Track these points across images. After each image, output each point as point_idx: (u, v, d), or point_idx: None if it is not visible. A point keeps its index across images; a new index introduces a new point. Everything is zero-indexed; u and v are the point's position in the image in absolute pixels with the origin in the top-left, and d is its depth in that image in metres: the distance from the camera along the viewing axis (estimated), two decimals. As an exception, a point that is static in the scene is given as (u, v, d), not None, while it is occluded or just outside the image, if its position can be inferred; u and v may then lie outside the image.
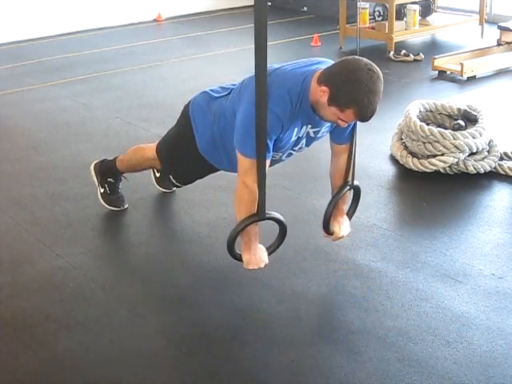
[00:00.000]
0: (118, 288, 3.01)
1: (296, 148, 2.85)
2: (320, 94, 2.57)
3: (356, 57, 2.60)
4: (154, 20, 8.55)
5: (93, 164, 3.68)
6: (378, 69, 2.56)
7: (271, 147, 2.67)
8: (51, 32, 7.74)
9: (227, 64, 6.49)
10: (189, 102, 3.11)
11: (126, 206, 3.65)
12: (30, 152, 4.51)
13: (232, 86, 2.95)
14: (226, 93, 2.94)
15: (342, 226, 3.03)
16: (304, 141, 2.82)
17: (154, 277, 3.09)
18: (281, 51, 7.01)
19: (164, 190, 3.78)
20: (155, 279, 3.07)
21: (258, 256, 2.79)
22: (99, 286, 3.02)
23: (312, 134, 2.81)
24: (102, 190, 3.62)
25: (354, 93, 2.50)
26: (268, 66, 2.67)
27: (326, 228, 3.00)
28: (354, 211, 3.12)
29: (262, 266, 2.80)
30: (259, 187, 2.65)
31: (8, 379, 2.48)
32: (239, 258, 2.80)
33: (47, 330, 2.73)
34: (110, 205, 3.63)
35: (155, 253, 3.31)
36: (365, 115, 2.56)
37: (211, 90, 3.03)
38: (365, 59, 2.57)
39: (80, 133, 4.83)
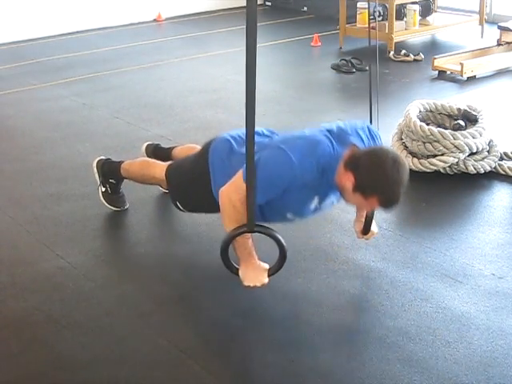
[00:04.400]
0: (118, 288, 3.01)
1: (318, 213, 2.90)
2: (345, 180, 2.59)
3: (383, 147, 2.68)
4: (154, 20, 8.55)
5: (96, 160, 3.65)
6: (404, 159, 2.62)
7: (269, 194, 2.64)
8: (51, 32, 7.74)
9: (227, 64, 6.49)
10: (209, 143, 3.04)
11: (126, 206, 3.65)
12: (30, 152, 4.51)
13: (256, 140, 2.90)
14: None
15: (374, 223, 3.07)
16: (328, 208, 2.91)
17: (154, 277, 3.09)
18: (281, 51, 7.02)
19: (164, 190, 3.78)
20: (155, 279, 3.07)
21: (256, 273, 2.69)
22: (99, 286, 3.02)
23: (335, 202, 2.87)
24: (104, 190, 3.62)
25: (378, 184, 2.54)
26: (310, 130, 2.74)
27: (367, 231, 3.03)
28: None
29: (259, 285, 2.68)
30: (248, 202, 2.54)
31: (8, 379, 2.48)
32: (236, 272, 2.71)
33: (47, 330, 2.73)
34: (110, 204, 3.62)
35: (155, 253, 3.31)
36: (389, 206, 2.63)
37: (233, 139, 2.96)
38: (391, 149, 2.64)
39: (80, 133, 4.83)
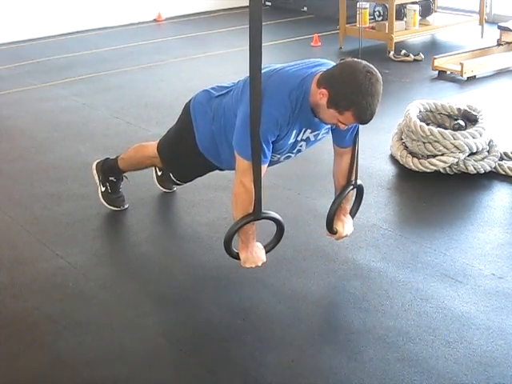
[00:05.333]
0: (118, 288, 3.01)
1: (294, 151, 2.86)
2: (319, 96, 2.57)
3: (355, 59, 2.61)
4: (154, 20, 8.55)
5: (95, 163, 3.67)
6: (377, 71, 2.56)
7: (268, 150, 2.66)
8: (51, 32, 7.75)
9: (227, 64, 6.49)
10: (190, 100, 3.13)
11: (126, 206, 3.65)
12: (30, 152, 4.51)
13: (232, 84, 2.96)
14: (225, 91, 2.95)
15: (346, 225, 3.04)
16: (304, 144, 2.83)
17: (154, 277, 3.09)
18: (281, 51, 7.01)
19: (165, 190, 3.78)
20: (155, 279, 3.07)
21: (255, 254, 2.80)
22: (99, 286, 3.02)
23: (312, 138, 2.82)
24: (103, 189, 3.62)
25: (352, 95, 2.50)
26: (269, 66, 2.66)
27: (330, 227, 3.00)
28: (357, 210, 3.13)
29: (260, 264, 2.81)
30: (255, 188, 2.65)
31: (8, 379, 2.48)
32: (236, 257, 2.81)
33: (47, 330, 2.73)
34: (110, 204, 3.63)
35: (155, 253, 3.31)
36: (364, 118, 2.56)
37: (212, 89, 3.04)
38: (364, 62, 2.56)
39: (80, 133, 4.83)
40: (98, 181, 3.63)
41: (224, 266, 3.05)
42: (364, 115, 2.55)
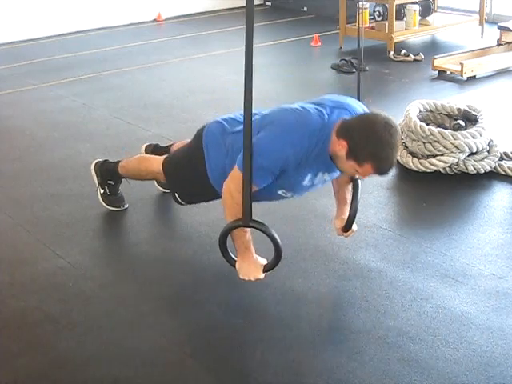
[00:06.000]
0: (118, 288, 3.01)
1: (311, 190, 2.89)
2: (338, 147, 2.60)
3: (374, 111, 2.64)
4: (154, 20, 8.55)
5: (93, 163, 3.66)
6: (396, 122, 2.59)
7: (266, 178, 2.65)
8: (51, 32, 7.74)
9: (227, 64, 6.49)
10: (202, 128, 3.08)
11: (126, 206, 3.65)
12: (30, 152, 4.51)
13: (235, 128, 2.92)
14: (240, 128, 2.84)
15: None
16: (320, 184, 2.88)
17: (154, 276, 3.09)
18: (281, 51, 7.02)
19: (164, 190, 3.78)
20: (155, 279, 3.07)
21: (250, 267, 2.71)
22: (99, 286, 3.02)
23: (328, 178, 2.86)
24: (102, 191, 3.62)
25: (372, 148, 2.53)
26: (289, 104, 2.76)
27: (349, 227, 3.01)
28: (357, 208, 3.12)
29: (253, 279, 2.72)
30: (244, 196, 2.55)
31: (8, 379, 2.48)
32: (234, 265, 2.74)
33: (47, 330, 2.73)
34: (109, 205, 3.62)
35: (155, 252, 3.31)
36: (383, 170, 2.60)
37: (224, 121, 3.00)
38: (383, 113, 2.59)
39: (80, 133, 4.83)
40: (96, 182, 3.62)
41: (224, 266, 3.04)
42: (383, 167, 2.59)
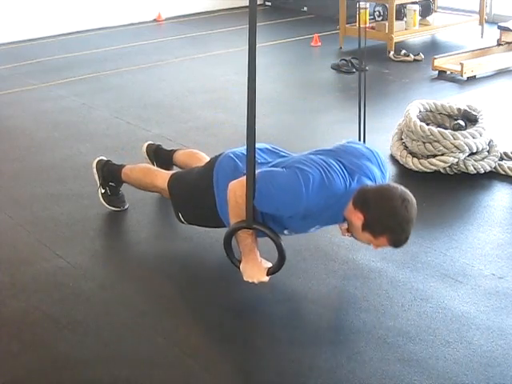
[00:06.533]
0: (118, 288, 3.01)
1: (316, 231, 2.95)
2: (355, 218, 2.62)
3: (391, 184, 2.69)
4: (154, 20, 8.55)
5: (95, 161, 3.63)
6: (412, 196, 2.60)
7: (272, 210, 2.68)
8: (51, 32, 7.74)
9: (227, 64, 6.49)
10: (215, 159, 3.04)
11: (126, 207, 3.65)
12: (30, 152, 4.51)
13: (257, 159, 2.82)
14: None
15: None
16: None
17: (154, 276, 3.09)
18: (281, 51, 7.03)
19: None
20: (155, 279, 3.07)
21: (254, 269, 2.72)
22: (99, 286, 3.02)
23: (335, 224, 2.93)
24: (103, 191, 3.61)
25: (388, 222, 2.56)
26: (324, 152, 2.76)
27: None
28: None
29: (256, 281, 2.73)
30: (247, 198, 2.59)
31: (8, 378, 2.48)
32: (238, 266, 2.76)
33: (47, 330, 2.73)
34: (110, 205, 3.62)
35: (155, 252, 3.31)
36: (398, 243, 2.63)
37: (236, 157, 2.95)
38: (400, 187, 2.61)
39: (80, 133, 4.83)
40: (98, 182, 3.62)
41: (224, 266, 3.05)
42: (399, 241, 2.62)
